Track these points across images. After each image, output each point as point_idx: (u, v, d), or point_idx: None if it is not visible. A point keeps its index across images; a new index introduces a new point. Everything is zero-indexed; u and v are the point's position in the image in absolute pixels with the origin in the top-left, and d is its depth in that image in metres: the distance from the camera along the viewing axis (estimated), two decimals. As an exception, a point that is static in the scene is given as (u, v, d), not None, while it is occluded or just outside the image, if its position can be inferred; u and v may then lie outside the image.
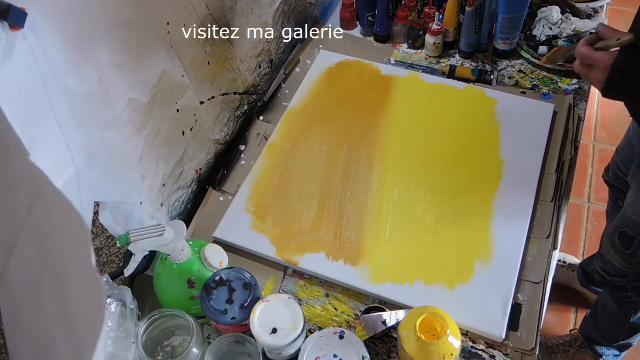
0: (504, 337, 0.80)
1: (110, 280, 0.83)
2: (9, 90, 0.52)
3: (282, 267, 0.91)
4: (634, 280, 1.05)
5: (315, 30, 1.25)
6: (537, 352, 0.80)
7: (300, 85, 1.14)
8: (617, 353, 1.35)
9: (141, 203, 0.81)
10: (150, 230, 0.73)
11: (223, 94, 1.00)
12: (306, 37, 1.25)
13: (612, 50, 0.76)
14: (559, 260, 1.52)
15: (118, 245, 0.74)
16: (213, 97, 0.96)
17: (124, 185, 0.77)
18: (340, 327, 0.81)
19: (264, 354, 0.78)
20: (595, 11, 1.22)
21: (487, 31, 1.14)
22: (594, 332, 1.32)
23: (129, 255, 0.87)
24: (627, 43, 0.75)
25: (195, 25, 0.84)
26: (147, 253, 0.77)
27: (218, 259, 0.83)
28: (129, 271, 0.78)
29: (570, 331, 1.47)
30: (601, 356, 1.37)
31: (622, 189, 1.19)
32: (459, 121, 1.06)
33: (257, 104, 1.14)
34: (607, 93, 0.77)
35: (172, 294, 0.82)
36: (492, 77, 1.13)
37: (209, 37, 0.89)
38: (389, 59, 1.20)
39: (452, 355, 0.71)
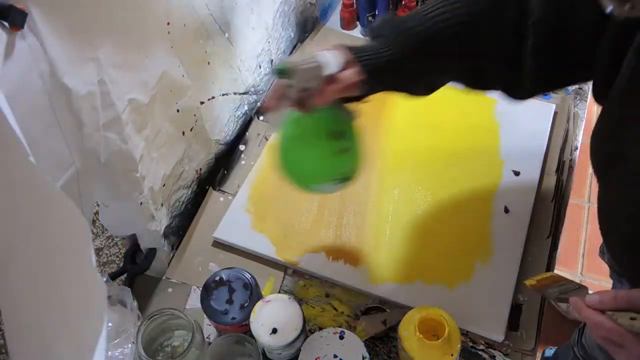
0: (504, 337, 0.80)
1: (110, 280, 0.83)
2: (9, 90, 0.52)
3: (282, 267, 0.91)
4: None
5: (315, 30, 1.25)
6: (537, 352, 0.80)
7: (300, 85, 1.14)
8: None
9: (141, 203, 0.81)
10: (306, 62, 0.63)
11: (223, 94, 1.00)
12: (306, 37, 1.25)
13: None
14: None
15: (276, 75, 0.65)
16: (213, 97, 0.96)
17: (124, 185, 0.77)
18: (340, 327, 0.81)
19: (264, 354, 0.78)
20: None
21: (487, 31, 1.14)
22: None
23: (128, 255, 0.87)
24: None
25: (195, 25, 0.84)
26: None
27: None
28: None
29: None
30: None
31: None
32: (459, 121, 1.05)
33: (257, 104, 1.14)
34: None
35: (317, 158, 0.71)
36: (492, 77, 1.12)
37: (209, 37, 0.89)
38: (389, 59, 1.20)
39: (452, 355, 0.71)
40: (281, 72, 0.63)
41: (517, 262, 0.87)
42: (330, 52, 0.65)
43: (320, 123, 0.70)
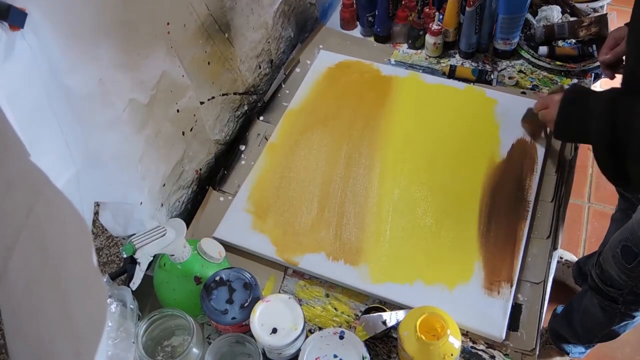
0: (504, 337, 0.80)
1: (111, 280, 0.83)
2: (9, 90, 0.52)
3: (282, 267, 0.91)
4: (628, 294, 1.03)
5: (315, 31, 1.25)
6: (537, 352, 0.80)
7: (300, 85, 1.14)
8: (583, 350, 1.34)
9: (141, 203, 0.81)
10: (152, 233, 0.72)
11: (223, 94, 1.00)
12: (306, 37, 1.25)
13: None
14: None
15: (124, 255, 0.74)
16: (213, 97, 0.96)
17: (124, 185, 0.77)
18: (340, 327, 0.81)
19: (264, 354, 0.78)
20: (595, 11, 1.22)
21: (487, 31, 1.14)
22: (566, 330, 1.30)
23: (127, 262, 0.87)
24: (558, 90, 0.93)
25: (195, 25, 0.84)
26: (152, 259, 0.77)
27: (215, 249, 0.83)
28: (135, 284, 0.78)
29: None
30: (567, 353, 1.36)
31: (634, 202, 1.17)
32: (459, 121, 1.05)
33: (257, 104, 1.14)
34: (558, 131, 0.87)
35: (182, 295, 0.81)
36: (492, 77, 1.13)
37: (209, 37, 0.89)
38: (389, 59, 1.20)
39: (452, 355, 0.71)
40: (129, 252, 0.71)
41: (517, 262, 0.87)
42: (177, 222, 0.77)
43: (186, 269, 0.81)
